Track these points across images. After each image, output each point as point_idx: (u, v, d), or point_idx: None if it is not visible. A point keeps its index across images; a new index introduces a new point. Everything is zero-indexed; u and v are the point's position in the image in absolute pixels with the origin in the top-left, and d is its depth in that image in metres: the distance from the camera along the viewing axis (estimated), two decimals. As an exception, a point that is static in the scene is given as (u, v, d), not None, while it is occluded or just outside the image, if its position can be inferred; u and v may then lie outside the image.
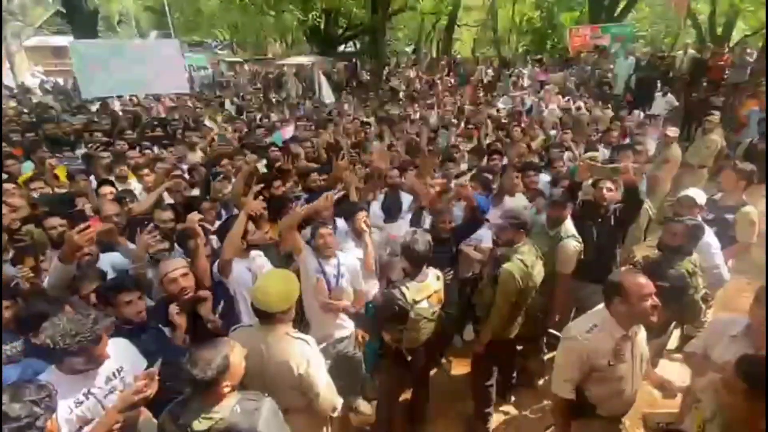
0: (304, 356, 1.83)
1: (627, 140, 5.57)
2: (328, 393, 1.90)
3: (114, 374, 1.78)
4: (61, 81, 14.73)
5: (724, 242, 3.30)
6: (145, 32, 23.56)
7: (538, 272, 2.61)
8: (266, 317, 1.83)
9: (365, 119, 7.50)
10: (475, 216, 3.06)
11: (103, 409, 1.70)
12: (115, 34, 22.66)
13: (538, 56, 15.32)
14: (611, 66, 10.82)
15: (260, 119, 7.60)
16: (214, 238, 2.96)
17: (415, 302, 2.39)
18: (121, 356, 1.83)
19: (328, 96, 8.24)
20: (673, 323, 3.07)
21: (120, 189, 3.82)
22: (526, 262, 2.53)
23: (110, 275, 2.50)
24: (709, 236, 3.06)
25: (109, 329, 1.76)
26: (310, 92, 11.07)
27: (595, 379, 1.95)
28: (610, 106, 8.19)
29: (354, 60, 17.20)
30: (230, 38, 26.01)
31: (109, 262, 2.67)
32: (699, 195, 3.23)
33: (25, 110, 8.39)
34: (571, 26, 15.83)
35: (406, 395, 2.97)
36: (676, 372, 3.01)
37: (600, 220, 3.14)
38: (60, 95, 11.72)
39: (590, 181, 3.36)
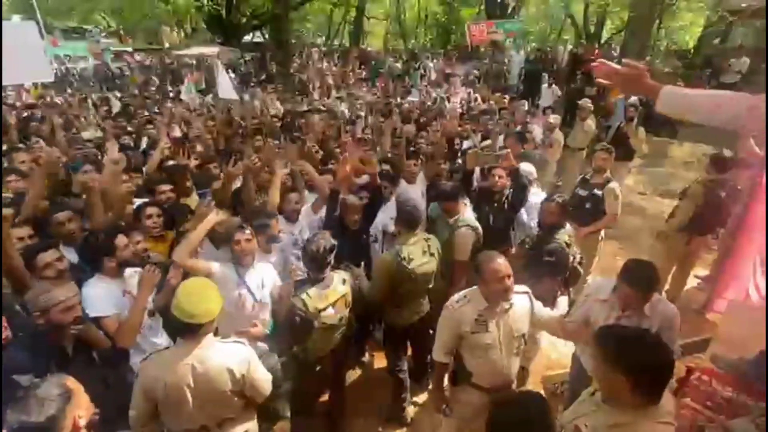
0: (245, 358, 1.83)
1: (518, 128, 6.05)
2: (267, 384, 1.93)
3: None
4: None
5: (597, 214, 3.79)
6: (4, 16, 19.77)
7: (420, 265, 2.58)
8: (194, 331, 1.72)
9: (273, 112, 7.11)
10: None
11: None
12: (-41, 18, 18.67)
13: (442, 50, 16.03)
14: (506, 60, 11.75)
15: (150, 116, 6.80)
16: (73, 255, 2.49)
17: (319, 311, 2.26)
18: None
19: (225, 90, 7.08)
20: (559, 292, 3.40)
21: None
22: (402, 254, 2.52)
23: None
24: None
25: None
26: (213, 86, 10.18)
27: (465, 347, 2.14)
28: (506, 97, 8.88)
29: (261, 51, 16.26)
30: (116, 25, 22.99)
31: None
32: (527, 167, 3.61)
33: None
34: (470, 21, 16.83)
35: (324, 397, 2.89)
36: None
37: (495, 205, 3.34)
38: None
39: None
